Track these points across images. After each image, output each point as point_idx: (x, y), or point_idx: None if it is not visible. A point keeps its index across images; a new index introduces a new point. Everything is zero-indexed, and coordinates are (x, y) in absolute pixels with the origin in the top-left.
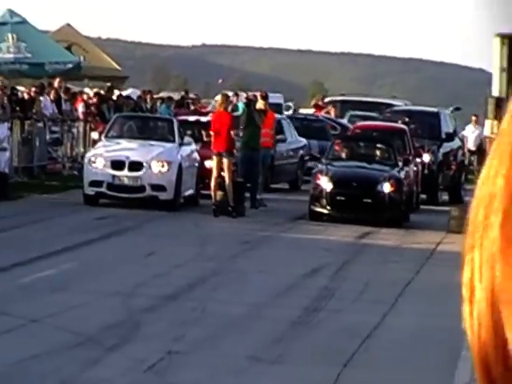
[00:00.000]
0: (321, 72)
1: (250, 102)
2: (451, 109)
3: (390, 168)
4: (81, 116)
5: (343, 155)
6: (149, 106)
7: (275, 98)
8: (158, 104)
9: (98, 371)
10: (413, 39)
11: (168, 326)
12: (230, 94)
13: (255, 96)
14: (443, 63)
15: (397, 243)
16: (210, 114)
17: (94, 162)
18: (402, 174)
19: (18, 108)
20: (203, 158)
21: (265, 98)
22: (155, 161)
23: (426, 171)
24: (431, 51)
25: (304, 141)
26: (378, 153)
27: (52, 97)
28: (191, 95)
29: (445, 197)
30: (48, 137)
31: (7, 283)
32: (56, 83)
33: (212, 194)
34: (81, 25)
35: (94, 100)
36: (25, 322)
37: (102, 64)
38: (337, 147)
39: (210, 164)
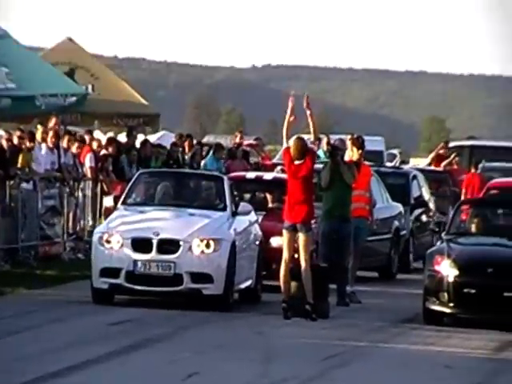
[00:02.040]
0: (440, 104)
1: (337, 151)
2: None
3: None
4: (89, 173)
5: (473, 228)
6: (188, 158)
7: (373, 143)
8: (204, 154)
9: None
10: None
11: None
12: (307, 137)
13: (343, 141)
14: None
15: None
16: (279, 169)
17: (108, 242)
18: None
19: None
20: (268, 233)
21: (360, 145)
22: (197, 238)
23: None
24: None
25: (400, 207)
26: None
27: (50, 144)
28: (250, 140)
29: None
30: (40, 205)
31: None
32: (51, 124)
33: (281, 285)
34: (88, 40)
35: (109, 150)
36: None
37: (119, 96)
38: (463, 216)
39: (279, 242)
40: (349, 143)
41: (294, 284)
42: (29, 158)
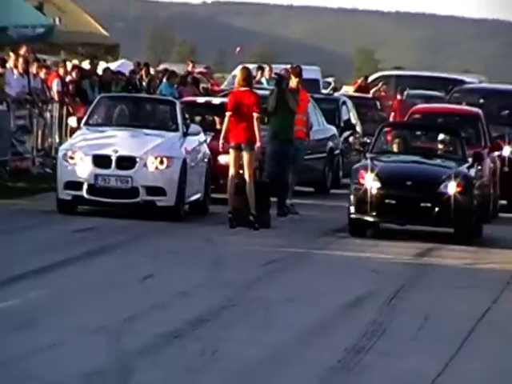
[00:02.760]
0: (370, 38)
1: (282, 79)
2: None
3: (456, 164)
4: (56, 96)
5: (394, 148)
6: (145, 84)
7: (310, 72)
8: (158, 81)
9: None
10: None
11: (168, 372)
12: (252, 66)
13: (287, 71)
14: None
15: (467, 264)
16: (226, 94)
17: (72, 158)
18: (473, 172)
19: None
20: (216, 151)
21: (298, 74)
22: (151, 156)
23: (505, 168)
24: None
25: (333, 130)
26: (441, 145)
27: (21, 70)
28: (200, 68)
29: None
30: (12, 124)
31: None
32: (22, 52)
33: (228, 198)
34: None
35: (73, 75)
36: None
37: (83, 28)
38: (386, 137)
39: (226, 159)
40: (287, 72)
41: (238, 197)
42: (2, 82)
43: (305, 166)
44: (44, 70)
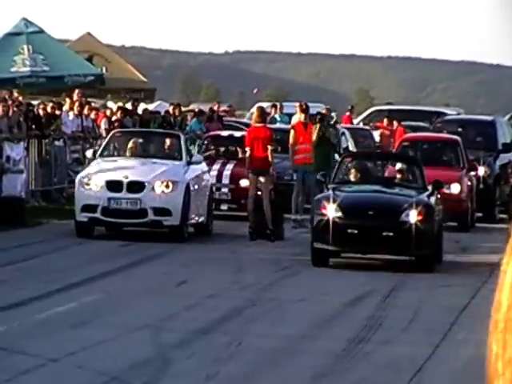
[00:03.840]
0: (366, 78)
1: (324, 118)
2: (508, 116)
3: (416, 192)
4: (104, 133)
5: (355, 178)
6: (178, 120)
7: (316, 108)
8: (189, 118)
9: None
10: (465, 40)
11: (200, 362)
12: (266, 105)
13: (329, 111)
14: (499, 66)
15: (450, 265)
16: (246, 129)
17: (88, 184)
18: (433, 200)
19: (34, 126)
20: (238, 176)
21: (305, 110)
22: (158, 180)
23: (481, 186)
24: (486, 53)
25: (336, 156)
26: (399, 174)
27: (76, 111)
28: (224, 107)
29: (502, 214)
30: (68, 157)
31: (25, 319)
32: (75, 96)
33: (248, 215)
34: (102, 33)
35: (118, 115)
36: (44, 361)
37: (126, 75)
38: (346, 168)
39: (246, 183)
40: (297, 109)
41: (257, 214)
42: (59, 123)
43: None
44: (94, 112)
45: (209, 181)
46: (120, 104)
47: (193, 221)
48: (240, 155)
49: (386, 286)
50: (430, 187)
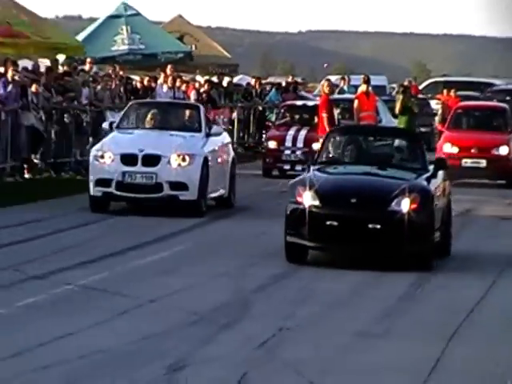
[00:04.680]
0: (423, 54)
1: (406, 89)
2: None
3: (415, 174)
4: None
5: (343, 157)
6: (258, 92)
7: (379, 80)
8: (267, 89)
9: (213, 349)
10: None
11: (277, 304)
12: (335, 78)
13: (410, 83)
14: None
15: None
16: (317, 98)
17: (102, 157)
18: (434, 183)
19: (132, 97)
20: (311, 140)
21: (367, 81)
22: (174, 154)
23: None
24: None
25: (395, 121)
26: (396, 152)
27: (169, 84)
28: (298, 80)
29: None
30: None
31: (122, 266)
32: (168, 71)
33: None
34: (192, 15)
35: (205, 87)
36: (141, 302)
37: (212, 52)
38: (333, 145)
39: (318, 146)
40: (361, 80)
41: None
42: (154, 95)
43: None
44: (184, 84)
45: (230, 153)
46: (207, 77)
47: (213, 194)
48: (316, 120)
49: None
50: (431, 167)
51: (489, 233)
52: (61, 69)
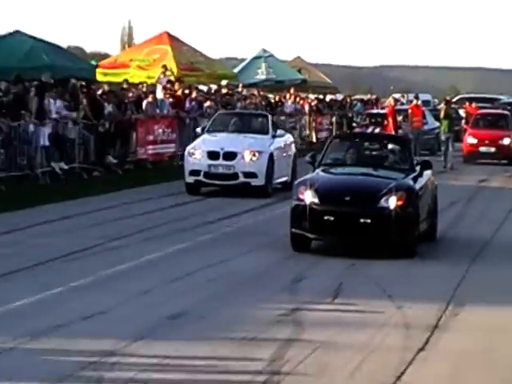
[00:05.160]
0: (457, 81)
1: (448, 102)
2: None
3: (402, 174)
4: (306, 112)
5: (344, 159)
6: (349, 104)
7: (426, 96)
8: (355, 103)
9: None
10: None
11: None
12: (399, 95)
13: (451, 98)
14: None
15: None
16: (386, 108)
17: (194, 154)
18: (420, 182)
19: (268, 108)
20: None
21: (417, 97)
22: (247, 150)
23: None
24: None
25: (437, 124)
26: (388, 155)
27: (292, 100)
28: (375, 96)
29: None
30: (287, 126)
31: (217, 231)
32: (291, 91)
33: None
34: (306, 55)
35: (315, 102)
36: (263, 240)
37: (319, 79)
38: (334, 149)
39: None
40: (413, 98)
41: None
42: (283, 107)
43: (425, 141)
44: (302, 100)
45: (292, 149)
46: (316, 95)
47: (278, 180)
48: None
49: (466, 195)
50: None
51: (495, 193)
52: (224, 90)
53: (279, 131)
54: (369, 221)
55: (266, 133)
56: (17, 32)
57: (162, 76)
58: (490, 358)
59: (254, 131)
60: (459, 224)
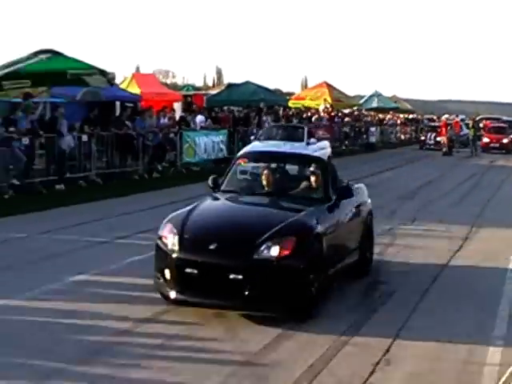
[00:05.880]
0: (476, 108)
1: (473, 119)
2: None
3: (309, 207)
4: (398, 123)
5: (243, 186)
6: (420, 120)
7: (462, 116)
8: (423, 119)
9: None
10: None
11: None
12: (447, 115)
13: (475, 117)
14: None
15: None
16: (441, 122)
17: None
18: (331, 218)
19: (378, 122)
20: (435, 138)
21: (457, 116)
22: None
23: None
24: None
25: (467, 131)
26: (299, 181)
27: (391, 117)
28: (434, 116)
29: None
30: (388, 131)
31: None
32: (391, 112)
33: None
34: (400, 91)
35: (402, 119)
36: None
37: (405, 107)
38: (239, 172)
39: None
40: (455, 116)
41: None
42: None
43: (461, 140)
44: (399, 120)
45: (328, 153)
46: (403, 115)
47: None
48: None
49: (481, 171)
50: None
51: (499, 169)
52: (356, 113)
53: (312, 139)
54: (240, 277)
55: (302, 140)
56: (247, 82)
57: (323, 103)
58: None
59: (292, 139)
60: (478, 185)
